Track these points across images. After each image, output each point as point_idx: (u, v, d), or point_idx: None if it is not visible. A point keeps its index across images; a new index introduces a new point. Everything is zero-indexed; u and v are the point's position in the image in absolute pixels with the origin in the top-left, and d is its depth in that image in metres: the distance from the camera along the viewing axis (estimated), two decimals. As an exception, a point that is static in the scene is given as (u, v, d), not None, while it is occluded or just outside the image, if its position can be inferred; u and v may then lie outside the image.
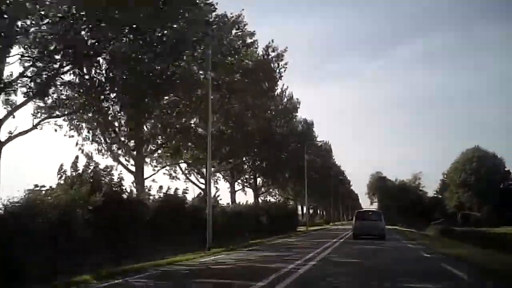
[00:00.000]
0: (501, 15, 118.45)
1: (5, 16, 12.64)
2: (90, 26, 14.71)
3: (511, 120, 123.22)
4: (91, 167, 13.73)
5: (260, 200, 39.84)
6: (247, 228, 25.16)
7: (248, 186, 42.21)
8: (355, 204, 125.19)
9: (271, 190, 47.65)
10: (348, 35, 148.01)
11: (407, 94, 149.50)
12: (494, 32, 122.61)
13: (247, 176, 40.41)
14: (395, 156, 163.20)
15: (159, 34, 16.68)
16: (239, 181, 40.87)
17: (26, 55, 14.06)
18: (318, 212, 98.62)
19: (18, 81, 14.16)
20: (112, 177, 14.29)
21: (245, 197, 39.95)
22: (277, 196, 53.99)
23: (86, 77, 17.07)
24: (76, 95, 17.31)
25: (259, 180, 44.58)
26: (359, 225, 25.19)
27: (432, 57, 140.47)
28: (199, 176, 29.75)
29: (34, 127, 15.61)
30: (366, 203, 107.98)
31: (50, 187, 11.50)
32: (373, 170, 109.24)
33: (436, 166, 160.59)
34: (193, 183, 28.80)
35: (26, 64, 14.14)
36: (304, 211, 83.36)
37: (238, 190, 37.87)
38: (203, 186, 27.56)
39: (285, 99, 39.38)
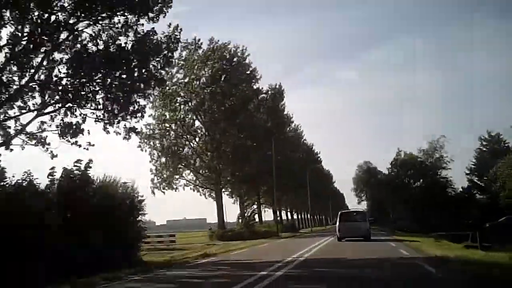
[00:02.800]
0: (473, 17, 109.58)
1: None
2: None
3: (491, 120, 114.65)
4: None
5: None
6: None
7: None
8: (340, 204, 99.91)
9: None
10: (325, 39, 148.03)
11: (387, 95, 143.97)
12: (466, 33, 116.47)
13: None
14: (381, 157, 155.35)
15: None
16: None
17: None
18: (279, 213, 69.54)
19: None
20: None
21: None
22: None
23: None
24: None
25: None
26: (343, 227, 24.25)
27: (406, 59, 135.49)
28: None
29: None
30: (353, 203, 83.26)
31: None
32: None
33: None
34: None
35: None
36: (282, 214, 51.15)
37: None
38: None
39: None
